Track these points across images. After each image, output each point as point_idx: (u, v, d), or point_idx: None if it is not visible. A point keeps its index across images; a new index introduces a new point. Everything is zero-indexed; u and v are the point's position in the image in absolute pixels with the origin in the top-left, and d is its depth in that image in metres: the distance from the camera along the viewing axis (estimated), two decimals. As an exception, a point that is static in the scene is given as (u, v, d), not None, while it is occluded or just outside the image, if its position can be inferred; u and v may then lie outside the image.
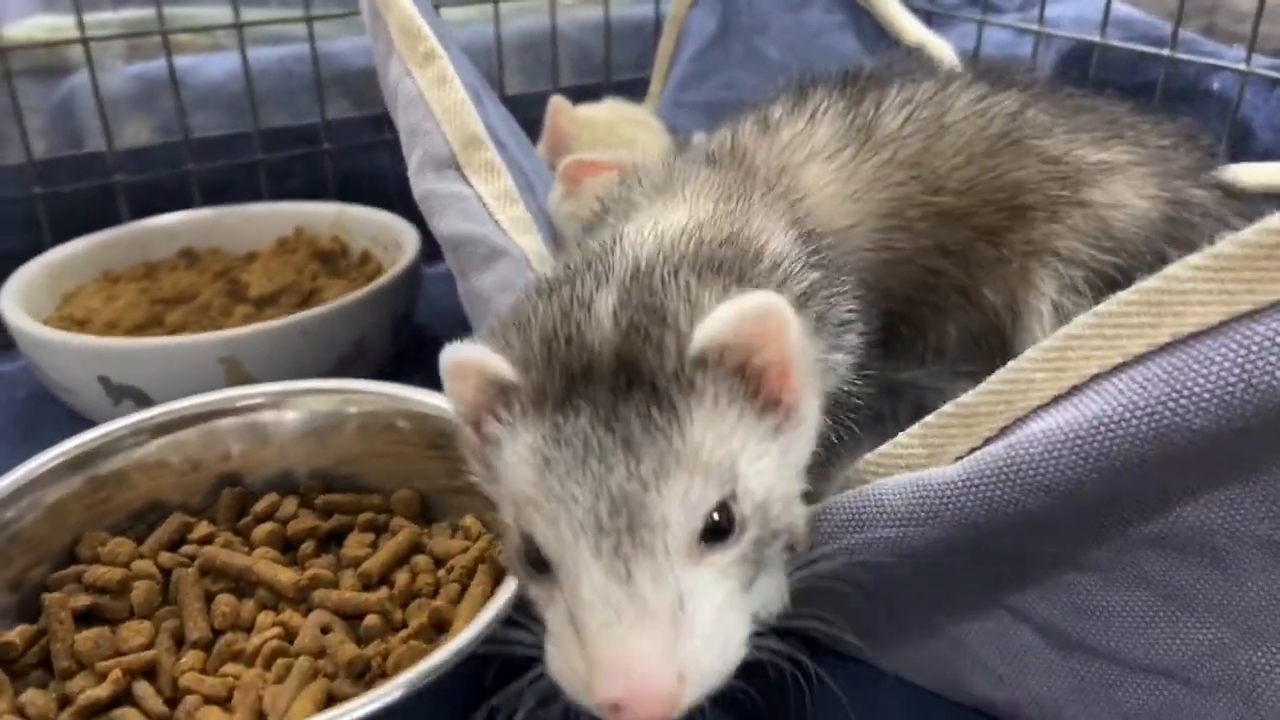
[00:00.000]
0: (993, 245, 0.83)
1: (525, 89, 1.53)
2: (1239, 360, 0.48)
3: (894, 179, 0.83)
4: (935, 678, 0.75)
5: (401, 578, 0.80)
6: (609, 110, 1.44)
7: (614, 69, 1.63)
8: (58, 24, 1.29)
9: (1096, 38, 1.23)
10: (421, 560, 0.82)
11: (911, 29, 1.34)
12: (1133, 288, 0.52)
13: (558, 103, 1.37)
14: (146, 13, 1.29)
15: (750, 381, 0.60)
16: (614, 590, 0.54)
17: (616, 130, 1.35)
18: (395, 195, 1.35)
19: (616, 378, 0.58)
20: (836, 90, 0.89)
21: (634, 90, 1.56)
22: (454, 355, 0.62)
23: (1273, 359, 0.47)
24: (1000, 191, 0.83)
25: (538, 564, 0.58)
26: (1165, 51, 1.15)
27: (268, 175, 1.39)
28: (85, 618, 0.77)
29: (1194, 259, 0.49)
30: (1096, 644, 0.64)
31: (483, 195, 0.90)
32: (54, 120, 1.31)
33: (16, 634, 0.74)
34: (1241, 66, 1.11)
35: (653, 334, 0.59)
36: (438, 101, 0.92)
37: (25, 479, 0.79)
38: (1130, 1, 1.33)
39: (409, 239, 1.24)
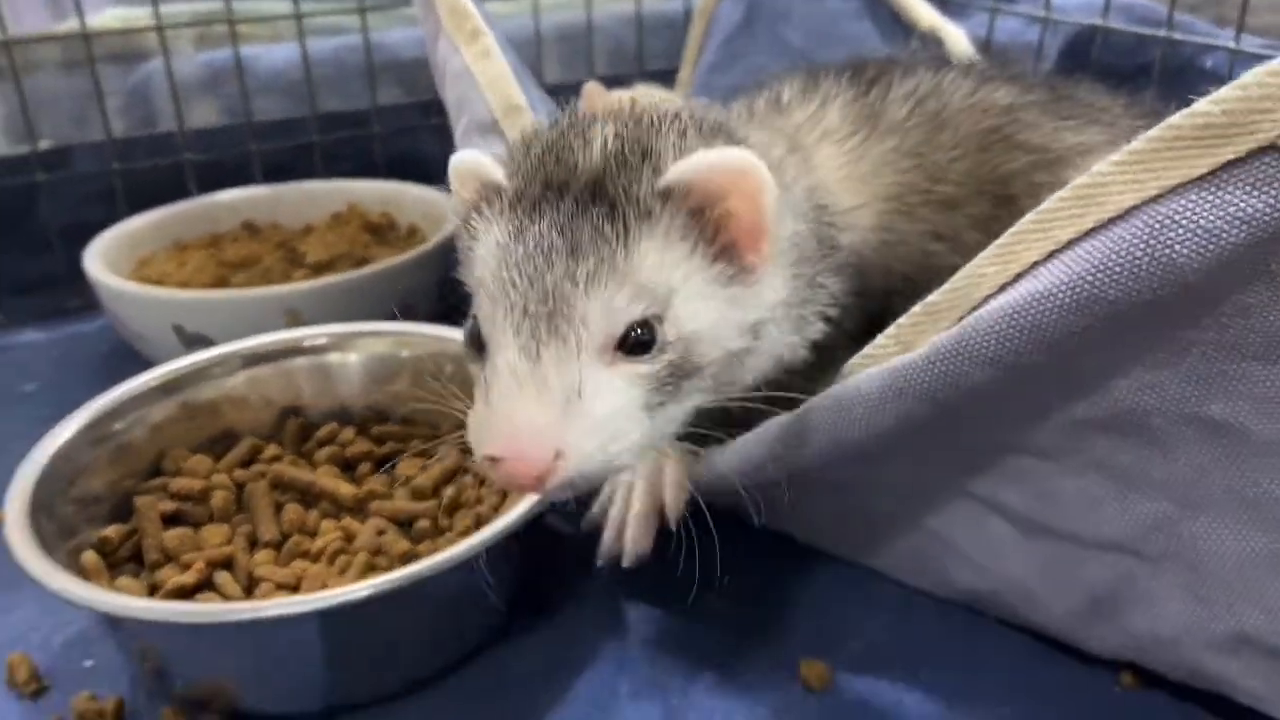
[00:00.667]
0: (981, 233, 0.87)
1: (563, 78, 1.63)
2: (1145, 237, 0.56)
3: (900, 165, 0.89)
4: (923, 575, 0.83)
5: (448, 492, 0.90)
6: (641, 93, 1.53)
7: (646, 59, 1.72)
8: (131, 15, 1.40)
9: (1099, 22, 1.31)
10: (466, 479, 0.92)
11: (926, 16, 1.42)
12: (1067, 185, 0.60)
13: (591, 87, 1.47)
14: (215, 5, 1.40)
15: (712, 229, 0.65)
16: (521, 365, 0.60)
17: (646, 113, 1.44)
18: (439, 175, 1.45)
19: (585, 193, 0.64)
20: (845, 78, 0.95)
21: (664, 79, 1.65)
22: (460, 159, 0.71)
23: (1172, 235, 0.55)
24: (993, 184, 0.90)
25: (479, 345, 0.65)
26: (1162, 33, 1.23)
27: (322, 156, 1.50)
28: (170, 521, 0.87)
29: (1114, 156, 0.58)
30: (1057, 526, 0.72)
31: (521, 155, 0.99)
32: (130, 103, 1.41)
33: (112, 531, 0.84)
34: (1232, 45, 1.18)
35: (631, 162, 0.65)
36: (482, 74, 1.02)
37: (127, 396, 0.90)
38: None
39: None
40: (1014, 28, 1.46)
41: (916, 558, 0.82)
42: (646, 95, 1.53)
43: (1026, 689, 0.76)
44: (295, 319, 1.12)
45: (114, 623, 0.74)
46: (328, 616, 0.70)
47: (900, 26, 1.44)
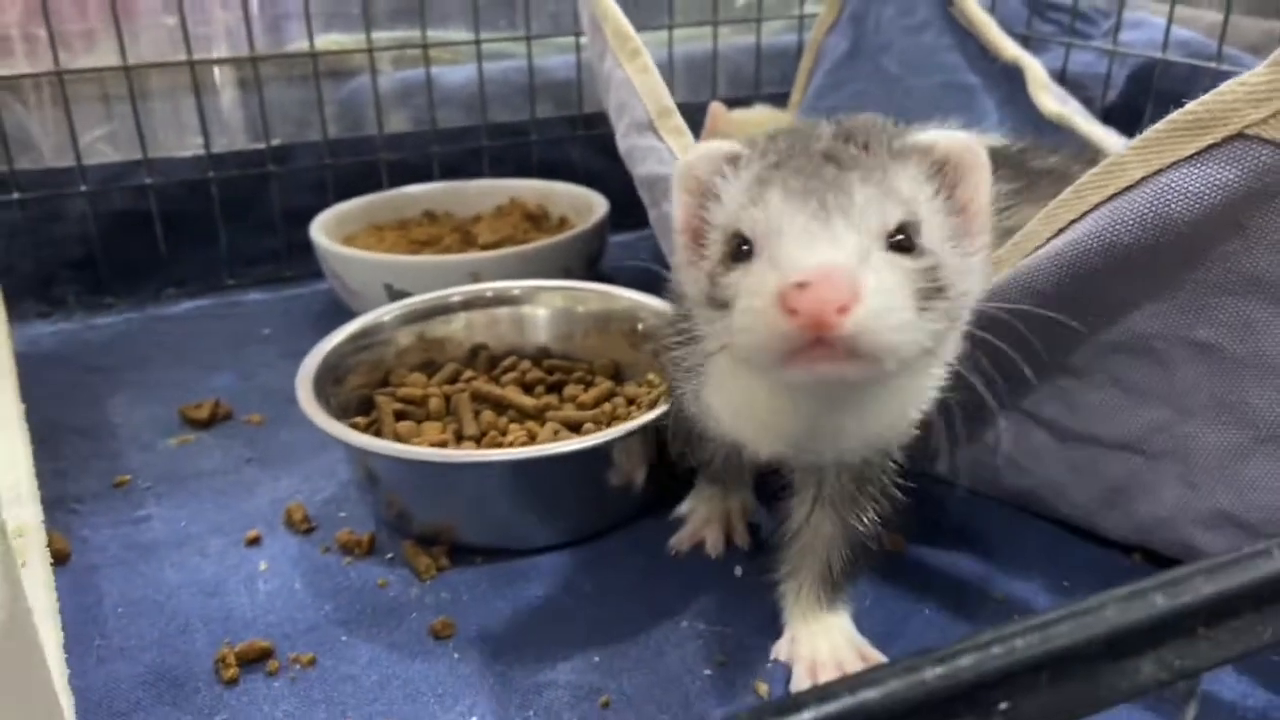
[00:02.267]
0: None
1: (689, 99, 1.88)
2: (1150, 199, 0.78)
3: None
4: (977, 478, 1.05)
5: (605, 406, 1.15)
6: (758, 113, 1.78)
7: (762, 84, 1.97)
8: (345, 39, 1.70)
9: (1159, 55, 1.53)
10: (619, 399, 1.17)
11: (1009, 49, 1.64)
12: (1096, 167, 0.83)
13: (715, 106, 1.72)
14: (412, 33, 1.69)
15: (946, 189, 0.68)
16: (813, 225, 0.60)
17: (762, 127, 1.68)
18: (584, 177, 1.72)
19: (834, 140, 0.67)
20: None
21: (777, 101, 1.90)
22: (696, 149, 0.73)
23: (1169, 197, 0.77)
24: None
25: (737, 255, 0.65)
26: (1212, 64, 1.44)
27: (489, 159, 1.78)
28: (399, 417, 1.14)
29: (1133, 142, 0.80)
30: (1083, 431, 0.93)
31: (672, 147, 1.23)
32: (342, 111, 1.70)
33: (360, 419, 1.12)
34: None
35: (859, 139, 0.68)
36: (641, 84, 1.27)
37: (375, 321, 1.18)
38: (1190, 26, 1.61)
39: (600, 204, 1.60)
40: (1087, 60, 1.68)
41: (974, 464, 1.05)
42: (762, 113, 1.79)
43: (1056, 562, 0.98)
44: (478, 281, 1.39)
45: (370, 475, 1.02)
46: (518, 466, 0.96)
47: (987, 58, 1.66)
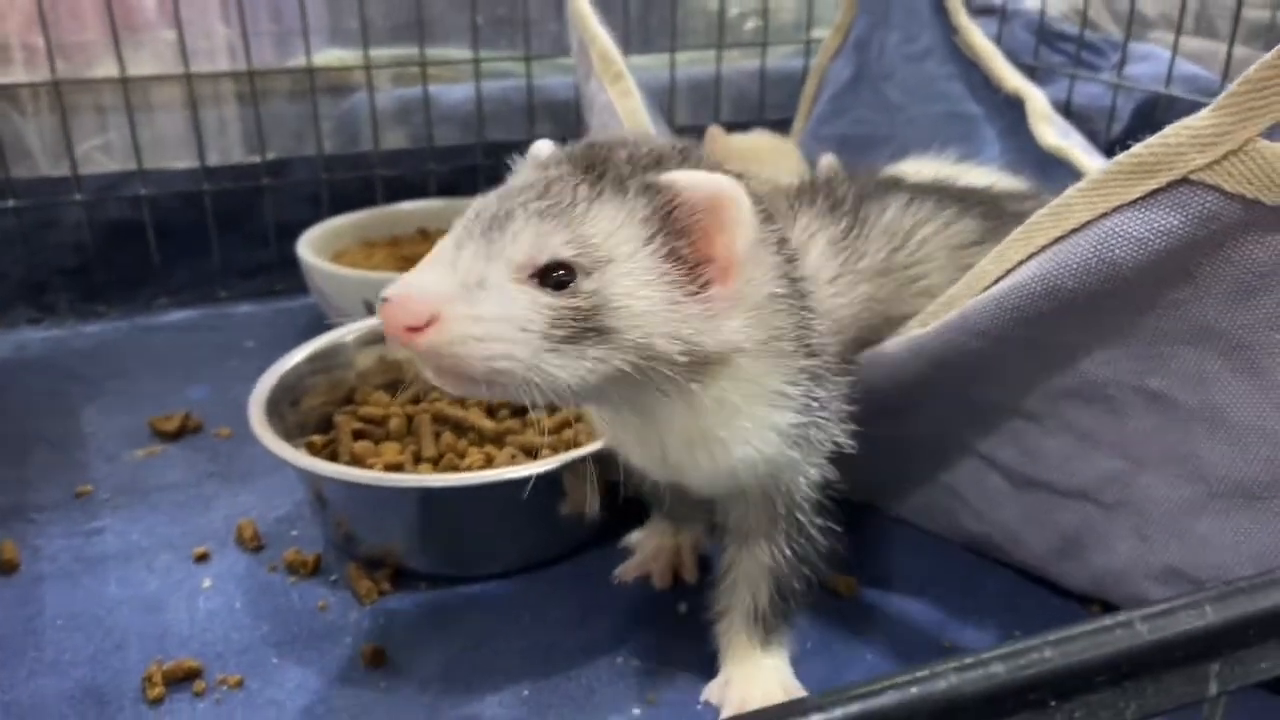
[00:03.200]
0: None
1: (691, 121, 1.87)
2: (1094, 243, 0.75)
3: (870, 309, 0.92)
4: (935, 520, 1.02)
5: (566, 433, 1.14)
6: (756, 138, 1.76)
7: (766, 109, 1.96)
8: (344, 55, 1.71)
9: (1163, 90, 1.49)
10: (581, 425, 1.16)
11: (1011, 80, 1.61)
12: (1045, 207, 0.80)
13: (714, 130, 1.71)
14: (410, 50, 1.70)
15: (686, 241, 0.68)
16: (445, 251, 0.67)
17: (760, 154, 1.67)
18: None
19: (593, 168, 0.70)
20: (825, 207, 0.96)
21: (781, 126, 1.88)
22: (536, 144, 0.79)
23: (1114, 242, 0.74)
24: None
25: None
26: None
27: (485, 177, 1.78)
28: (358, 435, 1.14)
29: (1080, 184, 0.78)
30: (1038, 478, 0.91)
31: (648, 174, 1.23)
32: (338, 126, 1.71)
33: (317, 438, 1.11)
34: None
35: (645, 163, 0.71)
36: (622, 107, 1.26)
37: (336, 341, 1.18)
38: (1202, 62, 1.58)
39: (590, 226, 1.59)
40: (1094, 92, 1.65)
41: (931, 506, 1.02)
42: (761, 139, 1.77)
43: (1012, 610, 0.95)
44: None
45: (319, 496, 1.01)
46: (460, 492, 0.95)
47: (990, 88, 1.64)
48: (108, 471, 1.18)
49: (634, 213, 0.68)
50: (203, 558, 1.03)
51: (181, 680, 0.87)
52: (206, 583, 1.00)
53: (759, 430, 0.76)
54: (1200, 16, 1.79)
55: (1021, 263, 0.82)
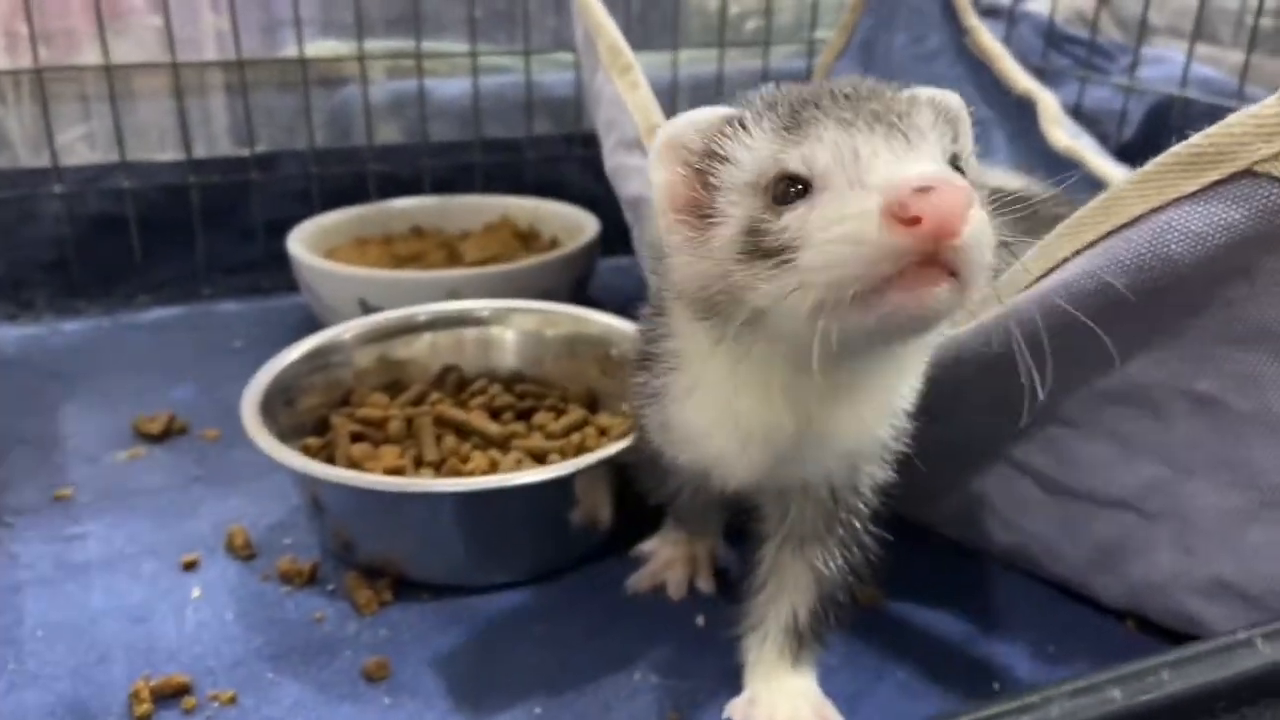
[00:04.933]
0: None
1: (693, 121, 1.83)
2: (1149, 238, 0.71)
3: None
4: (967, 531, 0.98)
5: (574, 437, 1.09)
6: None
7: (768, 110, 1.92)
8: (338, 46, 1.66)
9: (1177, 92, 1.46)
10: (589, 429, 1.11)
11: (1021, 82, 1.58)
12: (1094, 200, 0.76)
13: (718, 130, 1.68)
14: (406, 43, 1.65)
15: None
16: (895, 145, 0.56)
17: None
18: (579, 196, 1.67)
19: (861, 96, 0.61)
20: None
21: (783, 128, 1.85)
22: (678, 119, 0.65)
23: (1170, 237, 0.71)
24: None
25: (786, 198, 0.59)
26: (1234, 103, 1.37)
27: (482, 174, 1.73)
28: (355, 439, 1.08)
29: (1131, 175, 0.74)
30: (1075, 486, 0.87)
31: (660, 167, 1.18)
32: (330, 119, 1.65)
33: (313, 441, 1.06)
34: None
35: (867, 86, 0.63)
36: (631, 100, 1.21)
37: (335, 338, 1.13)
38: (1214, 65, 1.55)
39: (590, 225, 1.55)
40: (1104, 95, 1.62)
41: (959, 515, 0.98)
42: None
43: (1044, 625, 0.91)
44: (455, 299, 1.34)
45: (316, 501, 0.96)
46: (468, 498, 0.90)
47: (1000, 90, 1.60)
48: (89, 474, 1.12)
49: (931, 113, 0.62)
50: (191, 565, 0.97)
51: (171, 696, 0.82)
52: (195, 592, 0.94)
53: (895, 408, 0.75)
54: (1205, 23, 1.76)
55: (1068, 259, 0.78)
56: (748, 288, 0.60)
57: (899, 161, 0.55)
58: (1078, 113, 1.61)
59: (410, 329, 1.18)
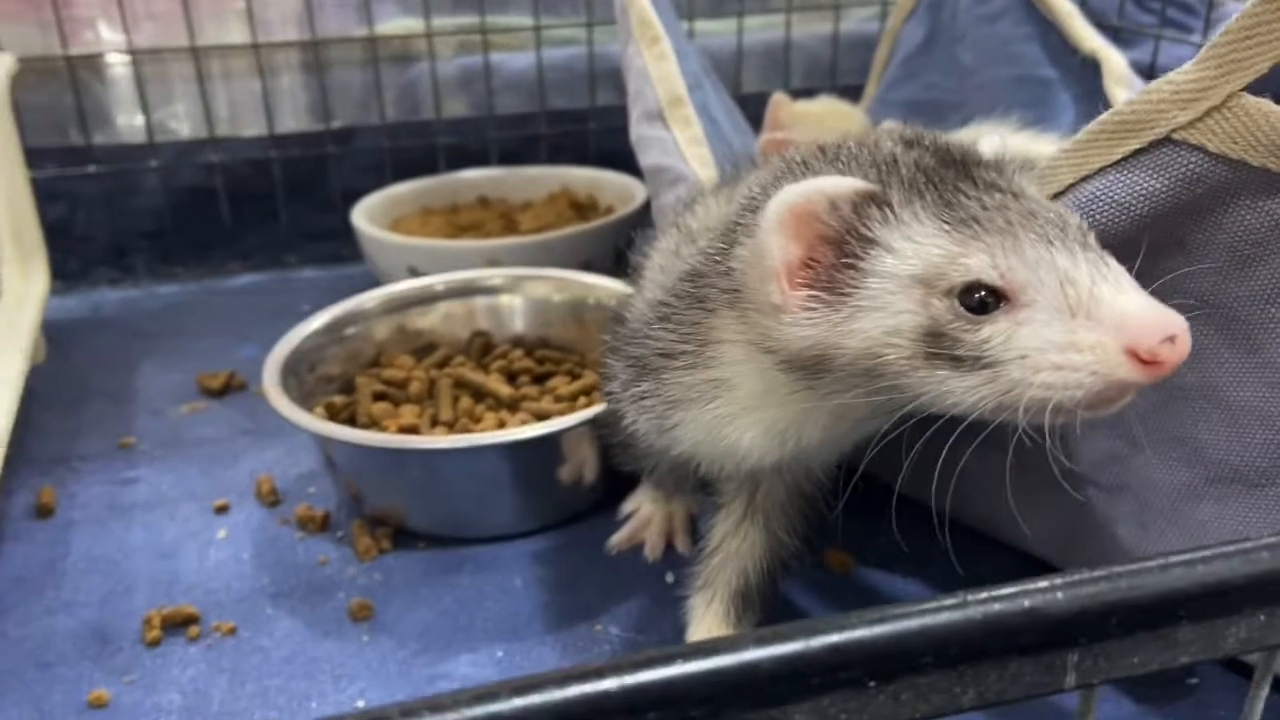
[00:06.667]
0: None
1: (760, 88, 1.83)
2: (1077, 207, 0.70)
3: None
4: (942, 497, 0.98)
5: (582, 400, 1.14)
6: (821, 105, 1.71)
7: (840, 74, 1.90)
8: (409, 24, 1.74)
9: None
10: (596, 394, 1.16)
11: (1089, 41, 1.52)
12: (1035, 170, 0.76)
13: (778, 98, 1.67)
14: (473, 19, 1.72)
15: None
16: (1104, 270, 0.59)
17: (825, 122, 1.61)
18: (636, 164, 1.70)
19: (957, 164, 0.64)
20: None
21: (854, 93, 1.83)
22: (801, 187, 0.62)
23: (1095, 207, 0.69)
24: None
25: (978, 307, 0.60)
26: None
27: (547, 146, 1.79)
28: (378, 398, 1.16)
29: (1065, 145, 0.73)
30: (1041, 458, 0.86)
31: (678, 138, 1.21)
32: (401, 95, 1.73)
33: (338, 399, 1.14)
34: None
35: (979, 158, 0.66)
36: (656, 71, 1.24)
37: (357, 307, 1.21)
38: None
39: (639, 194, 1.58)
40: (1181, 55, 1.54)
41: (939, 483, 0.98)
42: (826, 105, 1.72)
43: (1010, 596, 0.91)
44: (495, 266, 1.40)
45: (329, 457, 1.04)
46: (453, 454, 0.96)
47: (1068, 50, 1.55)
48: (152, 425, 1.24)
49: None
50: (222, 509, 1.07)
51: (179, 625, 0.91)
52: (221, 533, 1.04)
53: None
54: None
55: (1010, 230, 0.77)
56: (925, 383, 0.63)
57: (1121, 293, 0.58)
58: (1151, 73, 1.53)
59: (428, 299, 1.25)
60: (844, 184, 0.63)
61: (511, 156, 1.77)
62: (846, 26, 1.89)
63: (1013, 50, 1.60)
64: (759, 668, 0.39)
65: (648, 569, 0.98)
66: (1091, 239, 0.61)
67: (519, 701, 0.37)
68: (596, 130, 1.79)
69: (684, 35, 1.53)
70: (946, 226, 0.61)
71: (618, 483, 1.05)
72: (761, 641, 0.39)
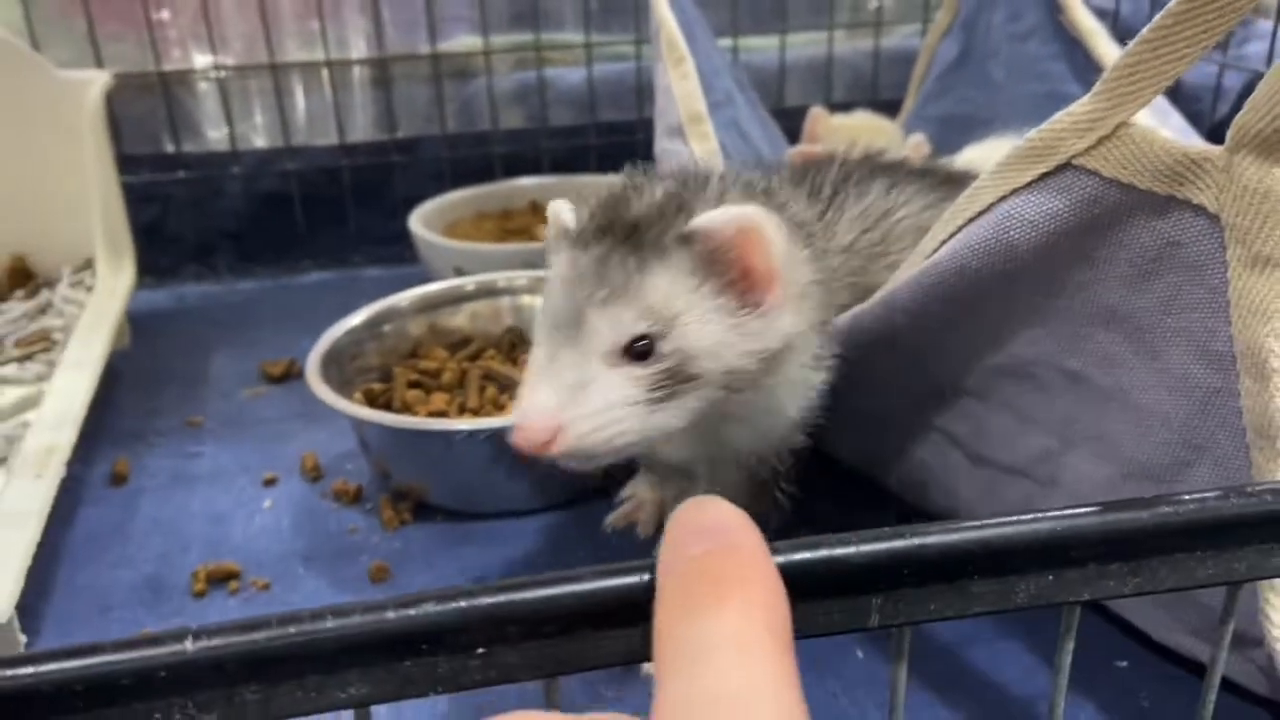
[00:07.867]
0: None
1: (802, 102, 1.91)
2: (994, 225, 0.77)
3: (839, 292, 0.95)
4: (913, 493, 1.05)
5: (594, 393, 1.24)
6: (857, 119, 1.79)
7: (881, 89, 1.96)
8: (469, 41, 1.87)
9: (1263, 69, 1.41)
10: (611, 387, 1.26)
11: (1112, 59, 1.55)
12: (967, 189, 0.83)
13: (815, 111, 1.75)
14: (528, 36, 1.84)
15: (727, 270, 0.76)
16: (543, 364, 0.75)
17: (857, 133, 1.70)
18: (684, 175, 1.80)
19: (628, 235, 0.76)
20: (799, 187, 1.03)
21: (895, 107, 1.89)
22: (550, 207, 0.85)
23: (1010, 224, 0.76)
24: None
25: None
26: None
27: (597, 155, 1.90)
28: (413, 385, 1.29)
29: (991, 167, 0.80)
30: (988, 455, 0.93)
31: (695, 152, 1.30)
32: (462, 108, 1.86)
33: (377, 386, 1.27)
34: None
35: (668, 213, 0.77)
36: (679, 89, 1.33)
37: (393, 305, 1.34)
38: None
39: (678, 202, 1.68)
40: (1208, 70, 1.56)
41: (911, 480, 1.06)
42: (863, 119, 1.79)
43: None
44: (531, 269, 1.51)
45: (361, 437, 1.16)
46: (466, 436, 1.07)
47: (1091, 66, 1.59)
48: (219, 406, 1.38)
49: (680, 267, 0.76)
50: (270, 482, 1.21)
51: (221, 580, 1.04)
52: (267, 503, 1.17)
53: (805, 390, 0.88)
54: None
55: (944, 242, 0.85)
56: None
57: (530, 387, 0.76)
58: (1176, 88, 1.56)
59: (458, 298, 1.37)
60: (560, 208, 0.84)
61: (563, 165, 1.88)
62: (888, 42, 1.95)
63: (1042, 68, 1.65)
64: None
65: (638, 548, 1.07)
66: (598, 330, 0.74)
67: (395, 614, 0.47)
68: (644, 141, 1.88)
69: (719, 53, 1.63)
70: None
71: (618, 468, 1.14)
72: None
